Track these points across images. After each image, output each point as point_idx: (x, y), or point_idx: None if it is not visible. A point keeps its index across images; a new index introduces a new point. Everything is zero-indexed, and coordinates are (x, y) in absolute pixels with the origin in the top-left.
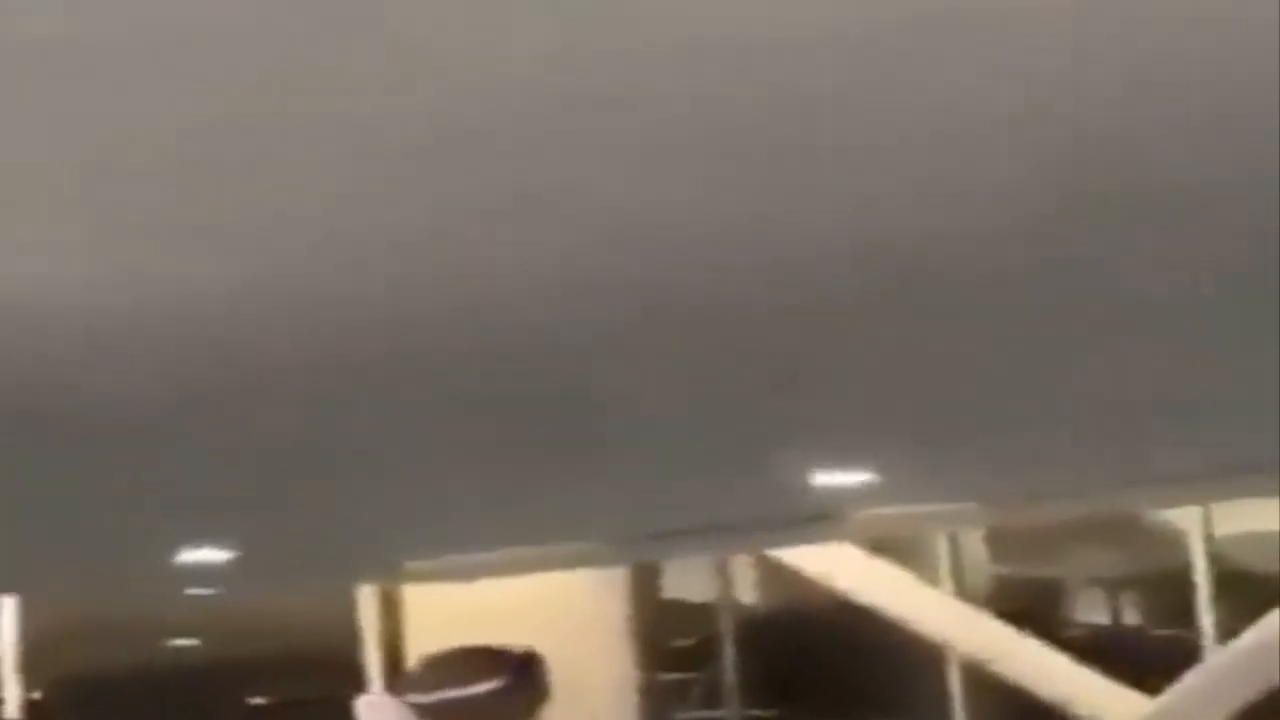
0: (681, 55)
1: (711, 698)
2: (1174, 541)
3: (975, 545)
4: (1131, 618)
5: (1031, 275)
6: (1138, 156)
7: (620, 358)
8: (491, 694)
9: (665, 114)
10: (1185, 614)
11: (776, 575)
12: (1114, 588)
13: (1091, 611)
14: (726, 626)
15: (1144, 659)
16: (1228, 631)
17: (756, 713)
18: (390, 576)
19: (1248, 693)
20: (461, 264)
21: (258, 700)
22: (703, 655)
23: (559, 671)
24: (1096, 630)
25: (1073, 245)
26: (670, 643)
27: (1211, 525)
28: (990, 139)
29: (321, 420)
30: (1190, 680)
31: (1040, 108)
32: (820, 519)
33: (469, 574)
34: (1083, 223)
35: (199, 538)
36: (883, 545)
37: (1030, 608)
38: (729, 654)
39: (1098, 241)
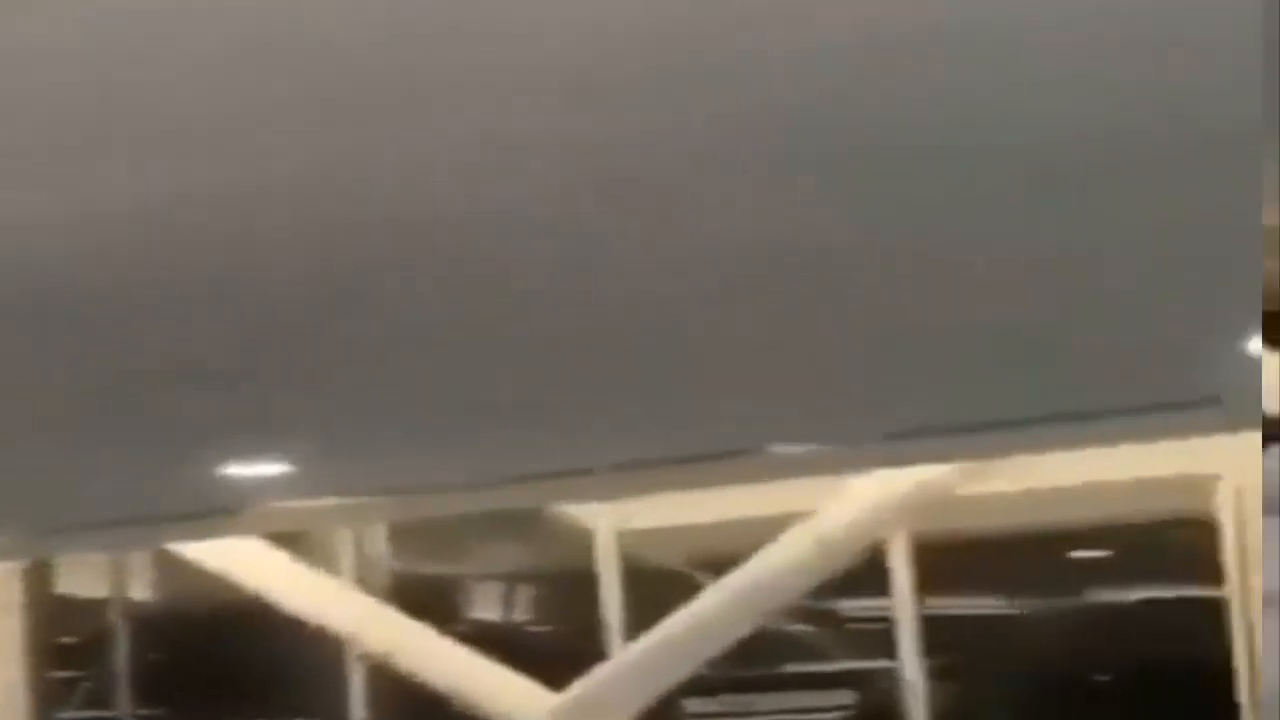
0: None
1: (100, 697)
2: (580, 537)
3: (378, 541)
4: (534, 614)
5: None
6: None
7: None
8: None
9: None
10: (590, 610)
11: (176, 570)
12: (516, 584)
13: (492, 608)
14: (118, 623)
15: (547, 655)
16: (635, 627)
17: (144, 712)
18: None
19: (654, 688)
20: None
21: None
22: (93, 653)
23: None
24: (495, 626)
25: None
26: (59, 640)
27: (619, 521)
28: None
29: None
30: (597, 675)
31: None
32: (223, 512)
33: None
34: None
35: None
36: (286, 539)
37: (431, 603)
38: (121, 652)
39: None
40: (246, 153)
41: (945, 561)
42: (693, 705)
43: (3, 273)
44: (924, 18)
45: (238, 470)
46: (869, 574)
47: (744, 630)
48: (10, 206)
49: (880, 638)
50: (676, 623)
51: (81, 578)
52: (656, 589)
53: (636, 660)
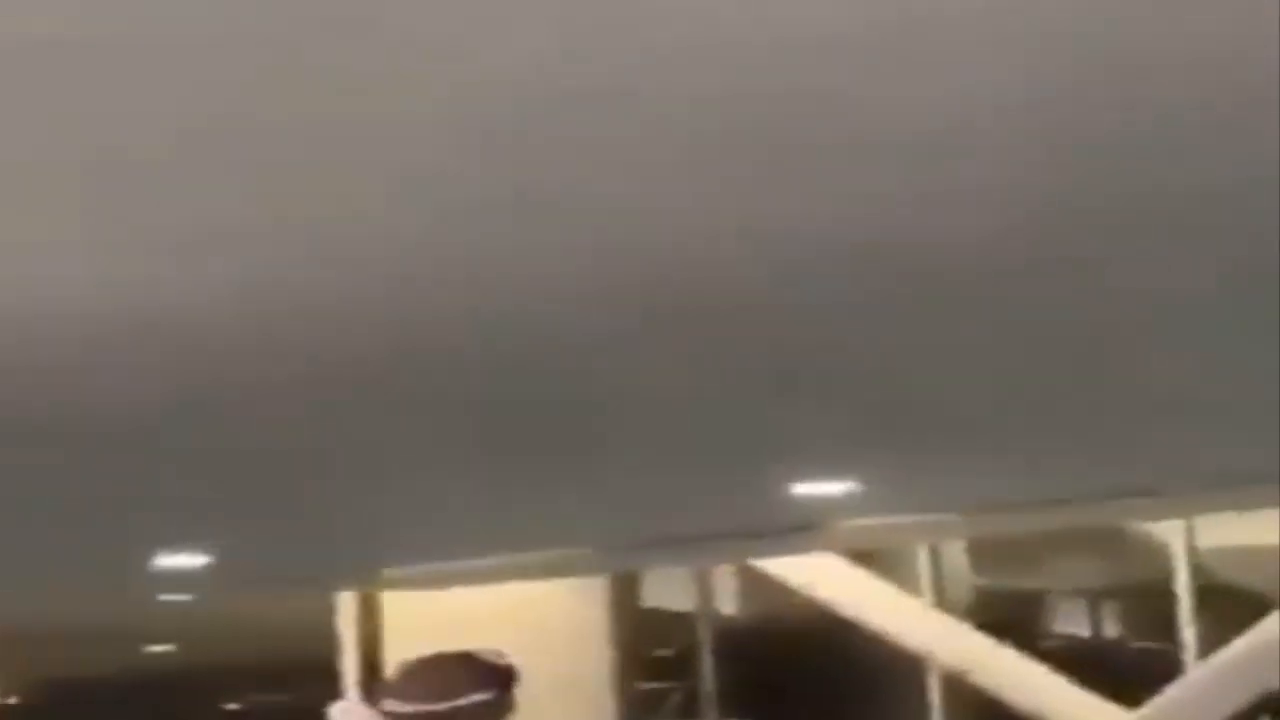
0: (682, 54)
1: (690, 707)
2: (1156, 553)
3: (956, 556)
4: (1112, 629)
5: (1012, 286)
6: (1137, 156)
7: (606, 365)
8: (471, 707)
9: (655, 113)
10: (1167, 626)
11: (757, 585)
12: (1095, 599)
13: (1072, 623)
14: (705, 636)
15: (1124, 671)
16: (1209, 645)
17: None
18: (368, 583)
19: (1228, 707)
20: (447, 267)
21: (234, 706)
22: (682, 665)
23: (539, 679)
24: (1076, 642)
25: (1052, 254)
26: (650, 652)
27: (1194, 538)
28: (981, 142)
29: (301, 425)
30: (1172, 693)
31: (1039, 106)
32: (802, 529)
33: (448, 581)
34: (1059, 236)
35: (176, 543)
36: (864, 556)
37: (1010, 619)
38: (708, 663)
39: (1079, 250)
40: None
41: None
42: None
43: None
44: None
45: (812, 488)
46: None
47: None
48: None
49: None
50: (1250, 642)
51: (669, 591)
52: (1231, 607)
53: (1210, 678)
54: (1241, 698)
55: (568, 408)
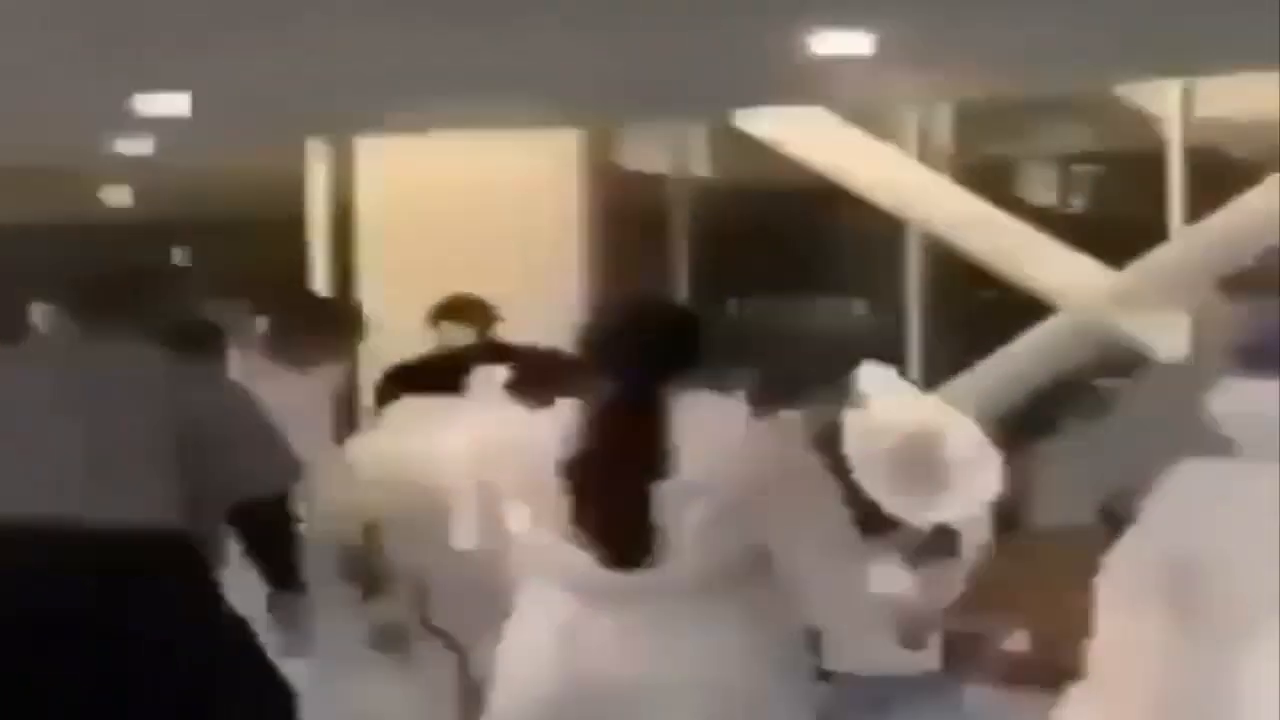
0: None
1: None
2: (1149, 122)
3: (942, 121)
4: (1096, 196)
5: None
6: None
7: None
8: None
9: None
10: (1157, 196)
11: (735, 146)
12: (1079, 166)
13: (1052, 190)
14: (682, 198)
15: (1107, 237)
16: (1197, 214)
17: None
18: (339, 129)
19: (1212, 273)
20: None
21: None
22: (655, 225)
23: (517, 243)
24: (1063, 209)
25: None
26: (625, 213)
27: (1191, 108)
28: None
29: None
30: (1156, 256)
31: None
32: (792, 85)
33: (418, 126)
34: None
35: (141, 85)
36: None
37: (994, 184)
38: (681, 225)
39: None
40: None
41: None
42: None
43: None
44: None
45: (821, 40)
46: None
47: None
48: None
49: None
50: (1238, 209)
51: (646, 153)
52: (1221, 177)
53: (1196, 243)
54: (1230, 264)
55: None
